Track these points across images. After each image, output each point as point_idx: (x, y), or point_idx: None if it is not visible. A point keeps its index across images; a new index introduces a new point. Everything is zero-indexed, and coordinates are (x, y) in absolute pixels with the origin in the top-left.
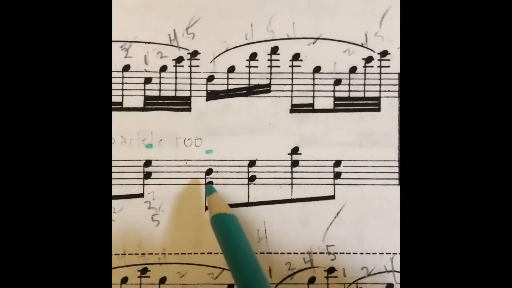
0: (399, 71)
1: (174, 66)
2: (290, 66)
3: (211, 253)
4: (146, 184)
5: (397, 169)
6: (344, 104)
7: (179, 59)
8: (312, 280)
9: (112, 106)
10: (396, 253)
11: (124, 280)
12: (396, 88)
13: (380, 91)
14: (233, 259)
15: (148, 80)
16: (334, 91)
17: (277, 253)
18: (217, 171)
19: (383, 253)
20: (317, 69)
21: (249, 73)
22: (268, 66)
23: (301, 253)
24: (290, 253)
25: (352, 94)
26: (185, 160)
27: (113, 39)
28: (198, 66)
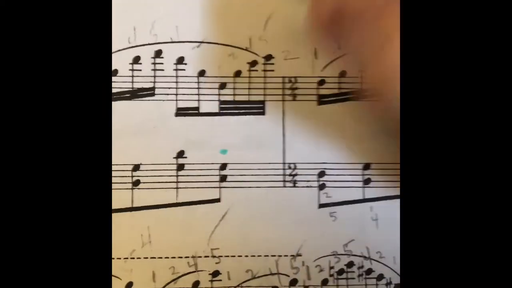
0: (283, 75)
1: None
2: (174, 69)
3: None
4: None
5: (282, 171)
6: (229, 108)
7: None
8: (196, 284)
9: None
10: (281, 255)
11: None
12: (281, 92)
13: (264, 94)
14: None
15: None
16: (219, 94)
17: (161, 257)
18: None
19: (268, 256)
20: (201, 73)
21: (133, 76)
22: (152, 70)
23: (185, 257)
24: (174, 257)
25: (237, 98)
26: None
27: None
28: None
